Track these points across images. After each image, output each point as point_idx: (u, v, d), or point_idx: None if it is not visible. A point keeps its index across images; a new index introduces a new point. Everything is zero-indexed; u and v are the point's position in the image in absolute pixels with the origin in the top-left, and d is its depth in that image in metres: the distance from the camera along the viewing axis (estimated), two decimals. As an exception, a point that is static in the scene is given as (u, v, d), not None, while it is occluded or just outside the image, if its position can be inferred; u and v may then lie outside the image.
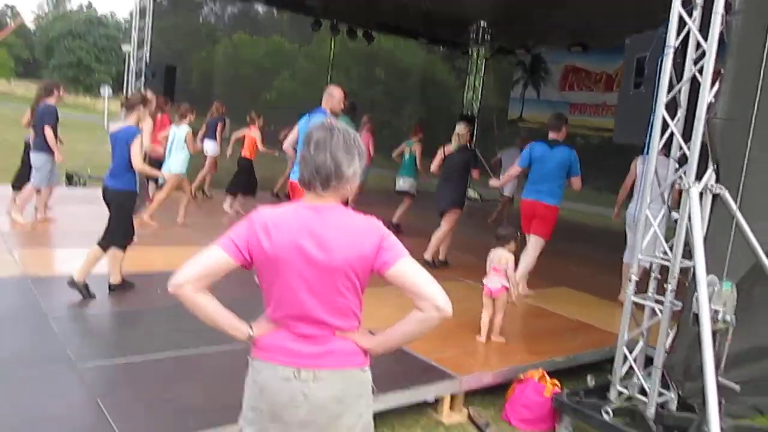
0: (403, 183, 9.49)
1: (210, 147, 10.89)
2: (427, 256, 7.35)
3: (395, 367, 4.33)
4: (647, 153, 3.93)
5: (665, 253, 3.92)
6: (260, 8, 27.06)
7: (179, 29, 26.76)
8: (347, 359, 2.12)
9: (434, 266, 7.29)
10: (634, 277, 3.99)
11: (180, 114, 8.59)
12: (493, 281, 5.01)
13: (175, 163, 8.36)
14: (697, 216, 3.57)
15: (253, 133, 9.86)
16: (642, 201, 3.98)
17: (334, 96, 6.01)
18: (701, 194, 3.75)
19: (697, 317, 3.47)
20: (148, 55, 11.65)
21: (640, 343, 4.13)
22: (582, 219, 15.45)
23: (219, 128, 10.86)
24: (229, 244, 2.04)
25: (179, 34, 26.80)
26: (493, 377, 4.43)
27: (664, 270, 3.96)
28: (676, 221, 3.91)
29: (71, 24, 51.29)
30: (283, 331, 2.10)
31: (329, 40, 15.60)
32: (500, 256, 5.03)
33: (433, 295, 1.99)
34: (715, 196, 3.78)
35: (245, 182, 9.88)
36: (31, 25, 57.71)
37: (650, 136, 3.92)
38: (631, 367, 4.06)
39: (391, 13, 13.46)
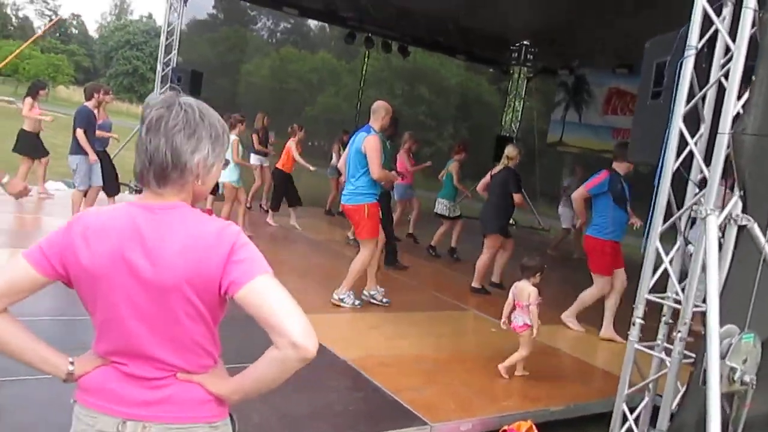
0: (438, 205, 9.03)
1: (253, 159, 10.63)
2: (475, 284, 7.14)
3: (358, 407, 3.80)
4: (660, 174, 3.32)
5: (678, 293, 3.29)
6: (312, 24, 27.17)
7: (229, 41, 27.03)
8: (191, 410, 1.60)
9: (501, 287, 7.07)
10: (639, 320, 3.36)
11: (230, 124, 8.38)
12: (518, 318, 4.58)
13: (224, 173, 8.10)
14: (713, 250, 2.94)
15: (288, 144, 9.52)
16: (652, 231, 3.36)
17: (390, 112, 5.74)
18: (724, 226, 3.12)
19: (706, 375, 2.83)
20: (175, 60, 11.44)
21: (645, 399, 3.48)
22: (630, 252, 14.57)
23: (255, 138, 10.60)
24: (36, 254, 1.55)
25: (228, 45, 27.06)
26: (473, 426, 3.83)
27: (678, 314, 3.33)
28: (691, 255, 3.29)
29: (130, 34, 52.64)
30: (111, 368, 1.60)
31: (368, 54, 15.25)
32: (522, 290, 4.57)
33: (290, 327, 1.46)
34: (741, 228, 3.15)
35: (280, 195, 9.62)
36: (93, 33, 59.58)
37: (664, 154, 3.31)
38: (631, 429, 3.42)
39: (427, 27, 13.02)
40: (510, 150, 7.04)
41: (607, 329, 5.88)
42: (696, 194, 3.30)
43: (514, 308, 4.64)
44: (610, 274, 5.83)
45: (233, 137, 8.13)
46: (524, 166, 17.71)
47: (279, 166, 9.56)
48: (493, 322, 6.04)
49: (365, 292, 5.88)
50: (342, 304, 5.67)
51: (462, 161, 8.98)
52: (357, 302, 5.71)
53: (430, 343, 5.15)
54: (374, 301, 5.87)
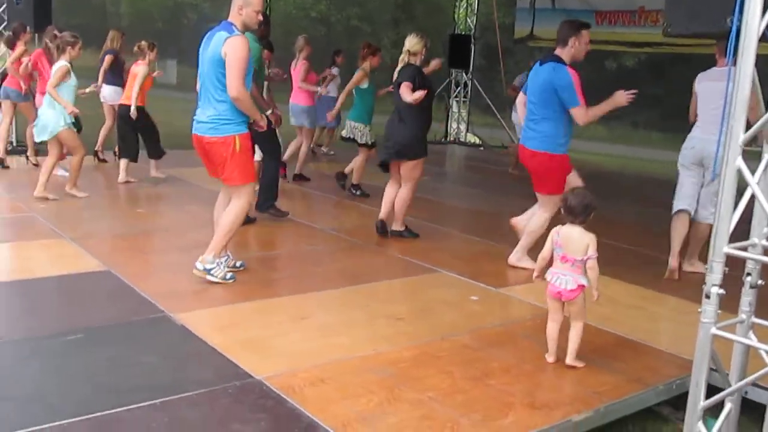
0: (348, 128, 8.22)
1: (108, 92, 9.28)
2: (397, 226, 6.49)
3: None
4: (733, 43, 2.34)
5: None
6: None
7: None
8: None
9: (412, 234, 6.53)
10: (716, 290, 2.42)
11: (57, 46, 7.11)
12: (563, 278, 3.76)
13: (50, 117, 6.99)
14: None
15: (136, 70, 8.22)
16: (729, 142, 2.38)
17: (251, 3, 4.64)
18: None
19: None
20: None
21: (727, 407, 2.60)
22: (612, 165, 13.95)
23: (106, 63, 9.21)
24: None
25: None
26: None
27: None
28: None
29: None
30: None
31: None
32: (576, 239, 3.78)
33: None
34: None
35: (130, 140, 8.45)
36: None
37: (740, 9, 2.32)
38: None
39: None
40: (411, 42, 6.15)
41: (522, 257, 5.62)
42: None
43: (550, 263, 3.88)
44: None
45: (61, 63, 6.97)
46: (486, 71, 16.92)
47: (123, 101, 8.41)
48: (473, 286, 5.18)
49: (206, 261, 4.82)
50: (209, 276, 4.77)
51: (371, 69, 8.08)
52: (228, 275, 4.83)
53: (385, 333, 4.20)
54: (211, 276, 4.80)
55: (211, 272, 4.76)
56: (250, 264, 5.30)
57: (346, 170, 8.50)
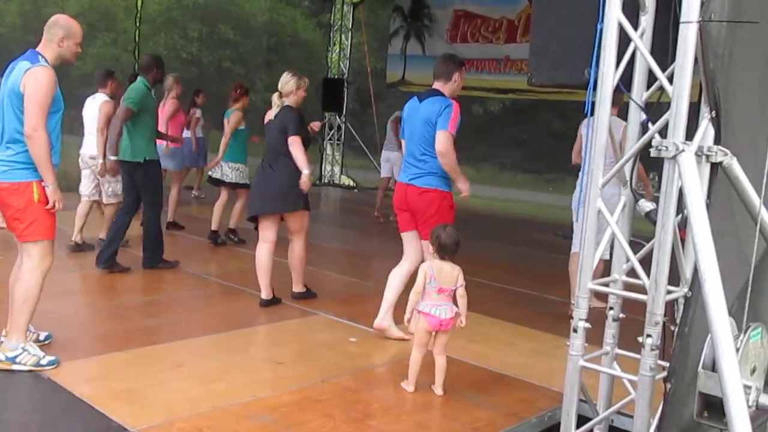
0: (226, 169, 7.90)
1: None
2: (298, 287, 5.86)
3: None
4: (590, 99, 2.53)
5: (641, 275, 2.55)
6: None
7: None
8: None
9: (310, 295, 5.88)
10: (583, 324, 2.57)
11: None
12: (440, 309, 4.04)
13: None
14: (698, 201, 2.19)
15: None
16: (590, 184, 2.56)
17: (74, 35, 4.12)
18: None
19: (708, 402, 2.10)
20: None
21: (596, 435, 2.74)
22: (481, 206, 14.40)
23: None
24: None
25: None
26: None
27: (635, 307, 2.60)
28: (647, 215, 2.56)
29: None
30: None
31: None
32: (448, 272, 4.08)
33: None
34: (715, 167, 2.45)
35: None
36: None
37: (596, 63, 2.52)
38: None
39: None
40: (282, 81, 5.60)
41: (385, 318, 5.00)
42: (644, 121, 2.55)
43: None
44: None
45: None
46: (359, 114, 17.22)
47: None
48: (352, 327, 5.20)
49: None
50: (15, 366, 3.89)
51: (245, 110, 7.85)
52: (46, 361, 3.97)
53: (265, 378, 4.15)
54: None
55: (17, 360, 3.90)
56: (124, 311, 5.10)
57: (214, 226, 8.02)
